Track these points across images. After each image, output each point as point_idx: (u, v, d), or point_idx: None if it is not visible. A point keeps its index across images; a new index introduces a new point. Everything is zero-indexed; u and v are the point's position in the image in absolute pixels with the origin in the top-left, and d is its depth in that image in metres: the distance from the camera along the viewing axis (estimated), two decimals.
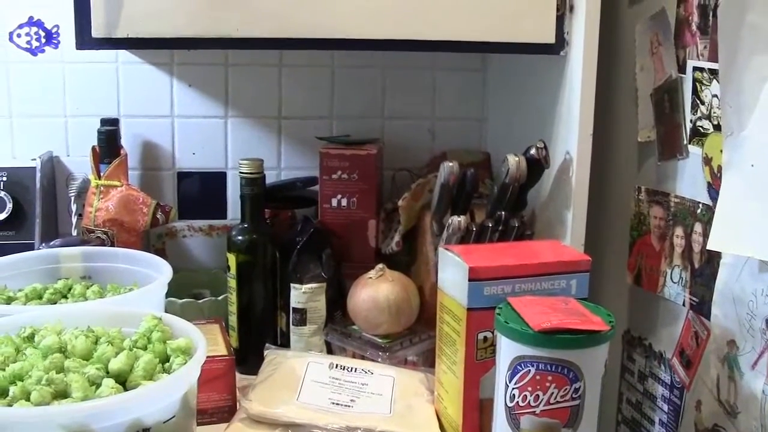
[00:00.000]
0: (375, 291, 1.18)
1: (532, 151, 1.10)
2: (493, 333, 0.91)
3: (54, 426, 0.63)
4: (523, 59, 1.29)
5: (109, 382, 0.71)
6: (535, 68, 1.25)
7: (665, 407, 1.08)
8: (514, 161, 1.08)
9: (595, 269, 1.24)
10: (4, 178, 1.37)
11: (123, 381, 0.73)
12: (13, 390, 0.70)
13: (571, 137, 1.11)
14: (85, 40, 1.03)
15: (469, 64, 1.51)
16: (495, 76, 1.49)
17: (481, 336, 0.93)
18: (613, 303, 1.23)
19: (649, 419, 1.13)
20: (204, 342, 0.77)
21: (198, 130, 1.48)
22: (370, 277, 1.20)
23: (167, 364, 0.78)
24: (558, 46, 1.10)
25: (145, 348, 0.80)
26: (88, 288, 1.08)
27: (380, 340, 1.18)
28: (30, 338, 0.81)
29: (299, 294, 1.22)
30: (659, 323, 1.11)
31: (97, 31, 1.02)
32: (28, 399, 0.69)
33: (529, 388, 0.84)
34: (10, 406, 0.68)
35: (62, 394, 0.70)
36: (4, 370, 0.73)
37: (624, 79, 1.17)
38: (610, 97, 1.19)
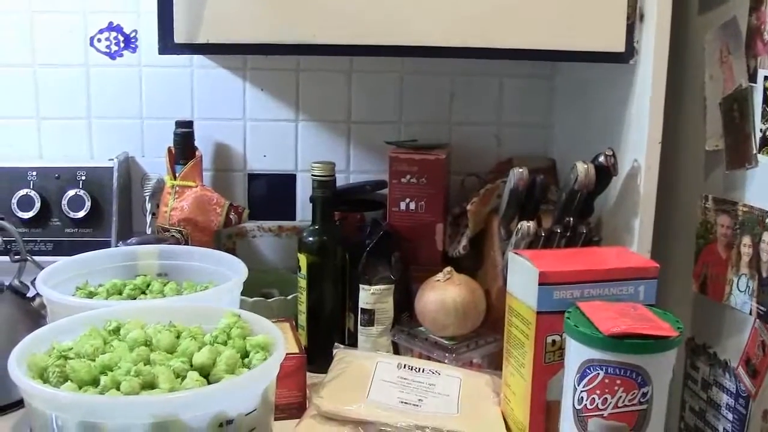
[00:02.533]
0: (443, 293, 1.20)
1: (601, 159, 1.10)
2: (561, 336, 0.93)
3: (145, 414, 0.67)
4: (591, 67, 1.30)
5: (193, 375, 0.75)
6: (604, 76, 1.25)
7: (730, 416, 1.08)
8: (583, 168, 1.09)
9: (660, 277, 1.24)
10: (83, 178, 1.41)
11: (206, 374, 0.77)
12: (103, 380, 0.73)
13: (639, 145, 1.11)
14: (167, 45, 1.07)
15: (537, 71, 1.52)
16: (562, 84, 1.50)
17: (549, 339, 0.94)
18: (678, 311, 1.22)
19: (713, 428, 1.13)
20: (283, 339, 0.80)
21: (269, 133, 1.52)
22: (438, 280, 1.22)
23: (246, 360, 0.81)
24: (627, 54, 1.11)
25: (224, 344, 0.83)
26: (165, 285, 1.12)
27: (447, 342, 1.20)
28: (115, 331, 0.84)
29: (368, 295, 1.24)
30: (725, 332, 1.11)
31: (179, 37, 1.07)
32: (117, 388, 0.72)
33: (598, 391, 0.85)
34: (102, 394, 0.72)
35: (149, 385, 0.73)
36: (94, 360, 0.77)
37: (692, 88, 1.17)
38: (677, 106, 1.19)
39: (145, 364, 0.76)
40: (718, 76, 1.10)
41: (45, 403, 0.69)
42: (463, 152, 1.50)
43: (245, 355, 0.81)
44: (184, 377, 0.75)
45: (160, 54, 1.08)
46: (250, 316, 0.87)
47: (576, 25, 1.10)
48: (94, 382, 0.74)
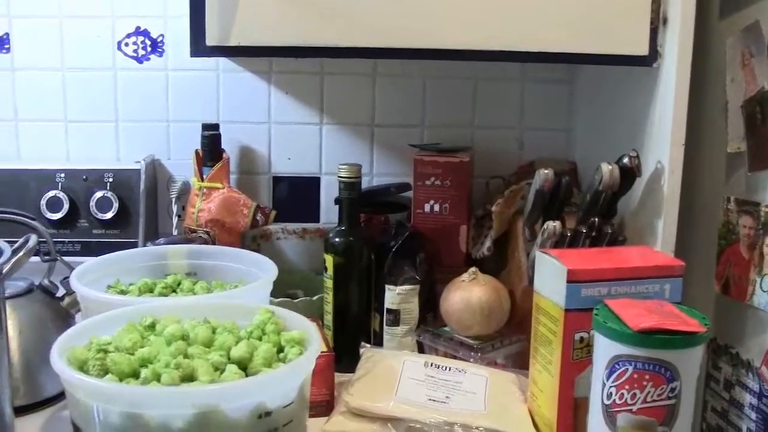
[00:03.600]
0: (468, 293, 1.21)
1: (625, 160, 1.12)
2: (589, 333, 0.94)
3: (187, 404, 0.68)
4: (612, 71, 1.31)
5: (232, 368, 0.76)
6: (625, 80, 1.27)
7: (753, 415, 1.09)
8: (607, 169, 1.10)
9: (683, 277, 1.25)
10: (111, 180, 1.43)
11: (243, 368, 0.78)
12: (144, 372, 0.75)
13: (662, 147, 1.12)
14: (199, 48, 1.09)
15: (557, 76, 1.54)
16: (582, 88, 1.52)
17: (577, 336, 0.95)
18: (701, 312, 1.23)
19: (736, 427, 1.13)
20: (316, 331, 0.82)
21: (293, 136, 1.54)
22: (463, 280, 1.24)
23: (282, 354, 0.82)
24: (651, 58, 1.12)
25: (260, 339, 0.84)
26: (195, 284, 1.14)
27: (472, 342, 1.21)
28: (151, 327, 0.86)
29: (393, 295, 1.26)
30: (747, 332, 1.11)
31: (211, 40, 1.08)
32: (157, 380, 0.74)
33: (627, 387, 0.86)
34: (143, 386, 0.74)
35: (189, 378, 0.75)
36: (133, 354, 0.78)
37: (713, 91, 1.18)
38: (698, 109, 1.21)
39: (183, 358, 0.77)
40: (740, 79, 1.11)
41: (89, 394, 0.71)
42: (486, 155, 1.52)
43: (280, 350, 0.82)
44: (222, 370, 0.76)
45: (192, 56, 1.10)
46: (284, 312, 0.89)
47: (600, 29, 1.11)
48: (135, 375, 0.75)
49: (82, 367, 0.77)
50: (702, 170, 1.22)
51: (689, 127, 1.13)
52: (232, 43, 1.08)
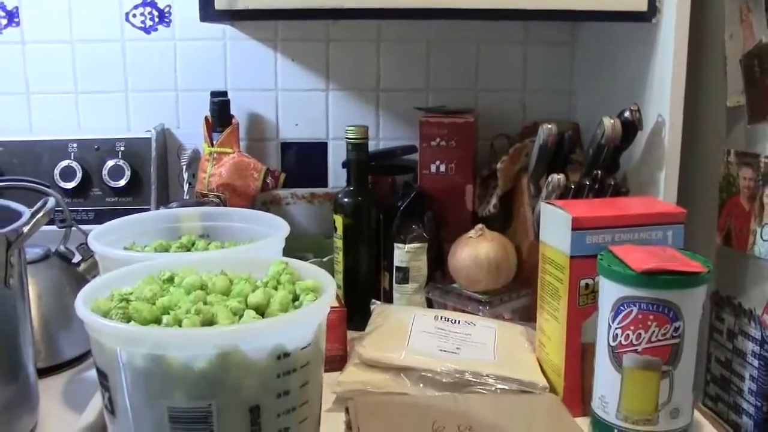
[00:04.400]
0: (475, 249, 1.24)
1: (626, 114, 1.14)
2: (594, 280, 0.96)
3: (209, 345, 0.71)
4: (613, 31, 1.33)
5: (250, 313, 0.78)
6: (625, 39, 1.29)
7: (755, 362, 1.12)
8: (609, 123, 1.13)
9: (685, 231, 1.27)
10: (122, 148, 1.46)
11: (261, 313, 0.81)
12: (165, 318, 0.77)
13: (663, 101, 1.15)
14: (208, 13, 1.11)
15: (559, 38, 1.56)
16: (584, 49, 1.53)
17: (583, 283, 0.98)
18: None
19: (739, 375, 1.16)
20: (331, 279, 0.84)
21: (300, 102, 1.56)
22: (471, 237, 1.26)
23: (297, 303, 0.85)
24: (650, 13, 1.14)
25: (275, 288, 0.87)
26: (209, 244, 1.16)
27: (480, 296, 1.24)
28: (170, 280, 0.88)
29: (402, 253, 1.28)
30: (749, 282, 1.14)
31: (219, 5, 1.11)
32: (179, 326, 0.77)
33: (632, 327, 0.89)
34: None
35: (209, 323, 0.77)
36: (154, 303, 0.81)
37: (712, 47, 1.20)
38: (698, 64, 1.23)
39: (203, 305, 0.80)
40: (738, 34, 1.13)
41: (112, 338, 0.73)
42: (490, 118, 1.54)
43: (296, 298, 0.85)
44: (241, 315, 0.78)
45: (201, 21, 1.12)
46: (298, 263, 0.91)
47: None
48: (156, 322, 0.78)
49: (105, 317, 0.79)
50: (703, 124, 1.25)
51: (689, 82, 1.15)
52: (240, 6, 1.11)
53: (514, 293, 1.26)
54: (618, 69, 1.34)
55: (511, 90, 1.57)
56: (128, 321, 0.78)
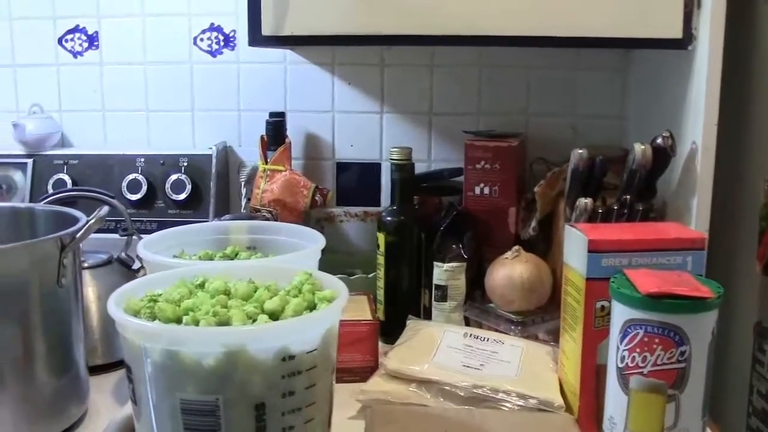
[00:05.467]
0: (510, 270, 1.27)
1: (659, 140, 1.15)
2: (609, 302, 0.98)
3: (217, 344, 0.77)
4: (658, 58, 1.34)
5: (263, 317, 0.83)
6: (668, 65, 1.29)
7: None
8: (640, 149, 1.14)
9: (727, 260, 1.27)
10: (185, 164, 1.55)
11: (275, 319, 0.86)
12: (185, 319, 0.83)
13: (697, 127, 1.15)
14: (256, 38, 1.18)
15: (611, 64, 1.57)
16: (635, 76, 1.54)
17: (598, 305, 0.99)
18: (746, 294, 1.25)
19: None
20: (346, 290, 0.88)
21: (356, 124, 1.61)
22: (507, 258, 1.29)
23: (315, 311, 0.90)
24: (686, 40, 1.15)
25: (295, 297, 0.92)
26: (251, 255, 1.22)
27: (513, 316, 1.27)
28: (201, 285, 0.94)
29: (441, 272, 1.32)
30: None
31: (266, 30, 1.18)
32: (196, 326, 0.83)
33: (638, 350, 0.89)
34: None
35: (224, 324, 0.83)
36: (179, 306, 0.87)
37: (759, 73, 1.20)
38: (745, 92, 1.23)
39: (222, 308, 0.85)
40: None
41: (136, 333, 0.79)
42: (541, 143, 1.56)
43: (314, 307, 0.90)
44: (255, 319, 0.84)
45: (249, 46, 1.19)
46: (321, 275, 0.95)
47: (637, 13, 1.15)
48: (178, 321, 0.84)
49: (136, 315, 0.86)
50: (746, 153, 1.24)
51: (734, 110, 1.15)
52: (286, 32, 1.17)
53: (548, 315, 1.27)
54: (663, 95, 1.35)
55: (562, 115, 1.59)
56: (154, 319, 0.84)
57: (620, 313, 0.92)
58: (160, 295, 0.90)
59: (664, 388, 0.90)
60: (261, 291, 0.90)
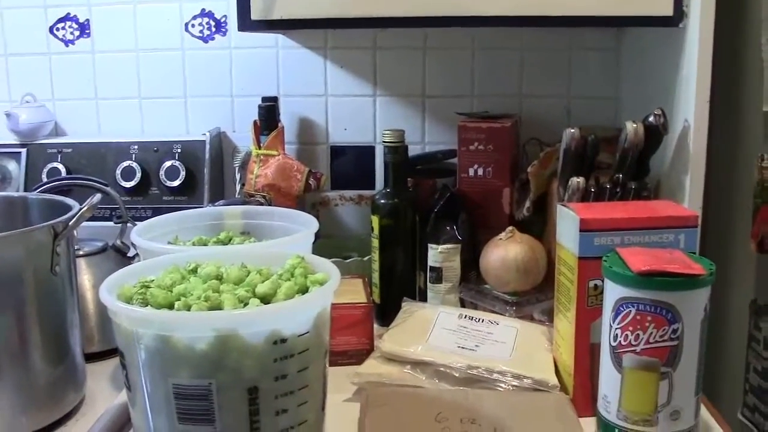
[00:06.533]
0: (505, 251, 1.27)
1: (651, 119, 1.15)
2: (602, 281, 0.98)
3: (208, 328, 0.77)
4: (651, 37, 1.34)
5: (255, 301, 0.83)
6: (660, 44, 1.29)
7: None
8: (631, 128, 1.14)
9: (722, 239, 1.27)
10: (179, 150, 1.55)
11: (267, 302, 0.86)
12: (177, 304, 0.83)
13: (689, 105, 1.15)
14: (246, 23, 1.18)
15: (603, 44, 1.56)
16: (627, 56, 1.54)
17: (591, 284, 1.00)
18: (741, 272, 1.25)
19: None
20: (338, 273, 0.89)
21: (349, 107, 1.61)
22: (501, 239, 1.29)
23: (306, 294, 0.90)
24: (677, 18, 1.15)
25: (288, 281, 0.92)
26: (245, 240, 1.22)
27: (509, 297, 1.27)
28: (194, 271, 0.94)
29: (436, 254, 1.32)
30: None
31: (255, 15, 1.17)
32: (188, 311, 0.83)
33: (630, 328, 0.90)
34: None
35: (216, 308, 0.83)
36: (171, 291, 0.87)
37: (751, 51, 1.19)
38: (737, 69, 1.22)
39: (214, 293, 0.86)
40: None
41: (128, 319, 0.79)
42: (535, 124, 1.56)
43: (305, 290, 0.90)
44: (246, 303, 0.84)
45: (239, 31, 1.19)
46: (314, 258, 0.95)
47: None
48: (170, 306, 0.84)
49: (129, 301, 0.86)
50: (739, 131, 1.24)
51: (726, 87, 1.15)
52: (275, 16, 1.17)
53: (543, 295, 1.28)
54: (656, 74, 1.34)
55: (555, 96, 1.59)
56: (146, 305, 0.84)
57: (612, 292, 0.92)
58: (153, 281, 0.90)
59: (657, 365, 0.90)
60: (253, 275, 0.90)
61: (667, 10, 1.14)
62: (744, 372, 1.25)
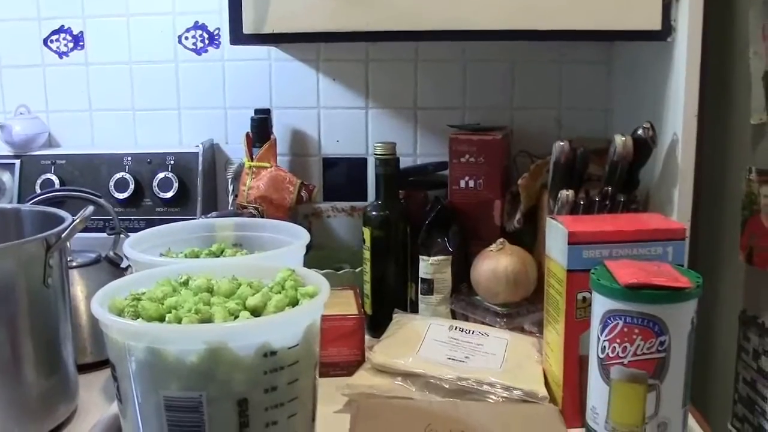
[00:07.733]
0: (495, 262, 1.28)
1: (639, 132, 1.16)
2: (591, 293, 0.99)
3: (199, 341, 0.77)
4: (644, 50, 1.35)
5: (245, 314, 0.84)
6: (650, 57, 1.30)
7: None
8: (620, 141, 1.15)
9: (711, 250, 1.28)
10: (172, 162, 1.56)
11: (257, 315, 0.87)
12: (168, 317, 0.84)
13: (677, 118, 1.16)
14: (238, 36, 1.19)
15: (594, 57, 1.57)
16: (618, 68, 1.55)
17: (580, 296, 1.00)
18: (730, 283, 1.25)
19: (763, 396, 1.15)
20: (327, 285, 0.89)
21: (341, 119, 1.62)
22: (492, 250, 1.30)
23: (296, 307, 0.91)
24: (665, 32, 1.16)
25: (279, 294, 0.93)
26: (237, 252, 1.22)
27: (499, 309, 1.28)
28: (185, 283, 0.95)
29: (427, 265, 1.33)
30: None
31: (247, 28, 1.18)
32: (179, 323, 0.83)
33: (618, 340, 0.91)
34: None
35: (206, 321, 0.84)
36: (162, 303, 0.88)
37: (739, 64, 1.21)
38: (724, 82, 1.23)
39: (204, 305, 0.86)
40: (761, 51, 1.14)
41: (119, 332, 0.80)
42: (526, 136, 1.57)
43: (296, 303, 0.90)
44: (236, 316, 0.85)
45: (231, 44, 1.20)
46: (304, 271, 0.96)
47: (618, 6, 1.16)
48: (161, 319, 0.85)
49: (120, 314, 0.86)
50: (727, 143, 1.25)
51: (714, 100, 1.16)
52: (267, 30, 1.18)
53: (533, 306, 1.28)
54: (646, 87, 1.35)
55: (546, 108, 1.59)
56: (137, 318, 0.85)
57: (600, 304, 0.93)
58: (144, 293, 0.90)
59: (644, 377, 0.91)
60: (244, 288, 0.90)
61: (656, 24, 1.15)
62: (733, 382, 1.26)
